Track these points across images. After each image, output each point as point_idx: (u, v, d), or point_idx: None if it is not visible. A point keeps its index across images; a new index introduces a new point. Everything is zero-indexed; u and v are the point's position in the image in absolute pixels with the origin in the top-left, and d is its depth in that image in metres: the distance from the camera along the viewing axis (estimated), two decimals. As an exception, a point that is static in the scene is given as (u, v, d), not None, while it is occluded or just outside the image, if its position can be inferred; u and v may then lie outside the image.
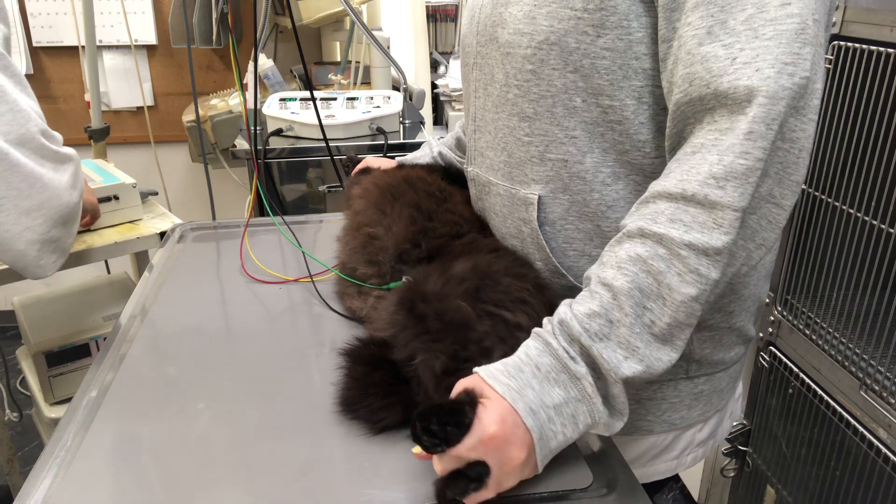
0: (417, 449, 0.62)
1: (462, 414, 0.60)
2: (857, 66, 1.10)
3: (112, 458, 0.71)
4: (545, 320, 0.66)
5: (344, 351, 0.78)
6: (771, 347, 1.36)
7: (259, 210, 1.62)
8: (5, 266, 1.32)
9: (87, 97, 2.12)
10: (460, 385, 0.64)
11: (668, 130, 0.68)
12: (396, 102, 1.94)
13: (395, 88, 2.11)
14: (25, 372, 1.72)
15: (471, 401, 0.61)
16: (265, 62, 2.18)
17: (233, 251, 1.21)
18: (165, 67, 2.69)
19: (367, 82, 2.20)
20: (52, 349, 1.52)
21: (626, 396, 0.63)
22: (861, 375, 1.13)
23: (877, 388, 1.10)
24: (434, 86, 2.71)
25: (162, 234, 1.48)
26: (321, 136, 1.33)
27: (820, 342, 1.23)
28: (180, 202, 2.82)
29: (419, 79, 2.49)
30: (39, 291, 1.70)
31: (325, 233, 1.31)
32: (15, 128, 0.98)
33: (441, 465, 0.62)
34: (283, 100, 1.93)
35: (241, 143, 1.85)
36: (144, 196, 1.63)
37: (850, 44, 1.11)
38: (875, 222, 1.10)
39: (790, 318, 1.30)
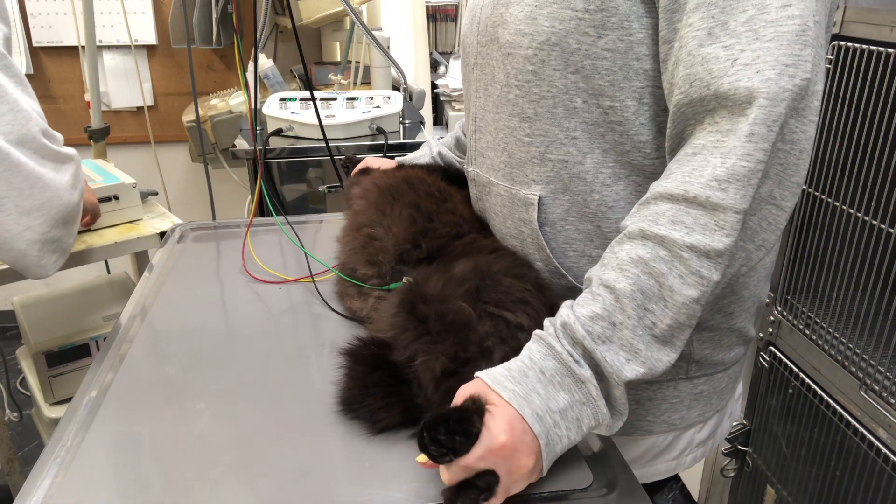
0: (423, 457, 0.61)
1: (470, 423, 0.60)
2: (857, 66, 1.10)
3: (112, 458, 0.71)
4: (546, 322, 0.66)
5: (344, 351, 0.78)
6: (771, 347, 1.36)
7: (259, 210, 1.62)
8: (5, 266, 1.32)
9: (87, 97, 2.12)
10: (464, 391, 0.64)
11: (668, 131, 0.68)
12: (396, 102, 1.94)
13: (395, 88, 2.11)
14: (25, 372, 1.72)
15: (478, 409, 0.61)
16: (265, 62, 2.18)
17: (233, 251, 1.21)
18: (165, 67, 2.69)
19: (367, 82, 2.20)
20: (52, 349, 1.52)
21: (626, 397, 0.63)
22: (861, 375, 1.13)
23: (877, 388, 1.10)
24: (434, 86, 2.71)
25: (162, 234, 1.48)
26: (321, 136, 1.33)
27: (820, 342, 1.23)
28: (180, 202, 2.82)
29: (419, 79, 2.49)
30: (39, 291, 1.70)
31: (325, 233, 1.31)
32: (16, 128, 0.98)
33: (449, 474, 0.62)
34: (283, 100, 1.93)
35: (241, 143, 1.85)
36: (144, 196, 1.63)
37: (850, 44, 1.11)
38: (875, 222, 1.10)
39: (790, 318, 1.30)
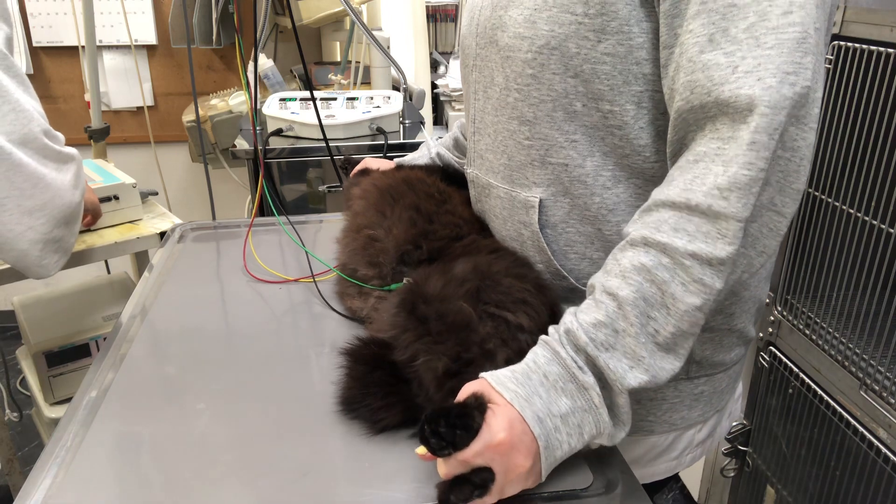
0: (422, 450, 0.61)
1: (471, 418, 0.60)
2: (857, 66, 1.10)
3: (112, 458, 0.71)
4: (551, 328, 0.66)
5: (344, 350, 0.78)
6: (771, 347, 1.36)
7: (259, 210, 1.62)
8: (5, 266, 1.32)
9: (87, 97, 2.12)
10: (468, 388, 0.64)
11: (669, 137, 0.68)
12: (396, 102, 1.94)
13: (395, 88, 2.11)
14: (25, 372, 1.72)
15: (479, 405, 0.62)
16: (265, 62, 2.18)
17: (233, 251, 1.21)
18: (165, 67, 2.69)
19: (367, 82, 2.20)
20: (52, 349, 1.52)
21: (630, 407, 0.63)
22: (861, 375, 1.13)
23: (877, 388, 1.10)
24: (434, 86, 2.71)
25: (162, 234, 1.48)
26: (321, 136, 1.33)
27: (820, 342, 1.23)
28: (180, 202, 2.82)
29: (419, 79, 2.49)
30: (39, 291, 1.70)
31: (325, 233, 1.31)
32: (18, 127, 0.98)
33: (446, 468, 0.62)
34: (283, 100, 1.93)
35: (241, 143, 1.85)
36: (144, 196, 1.63)
37: (850, 44, 1.11)
38: (875, 222, 1.10)
39: (790, 318, 1.30)
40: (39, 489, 0.66)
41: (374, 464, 0.69)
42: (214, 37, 2.23)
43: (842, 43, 1.12)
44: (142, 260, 1.64)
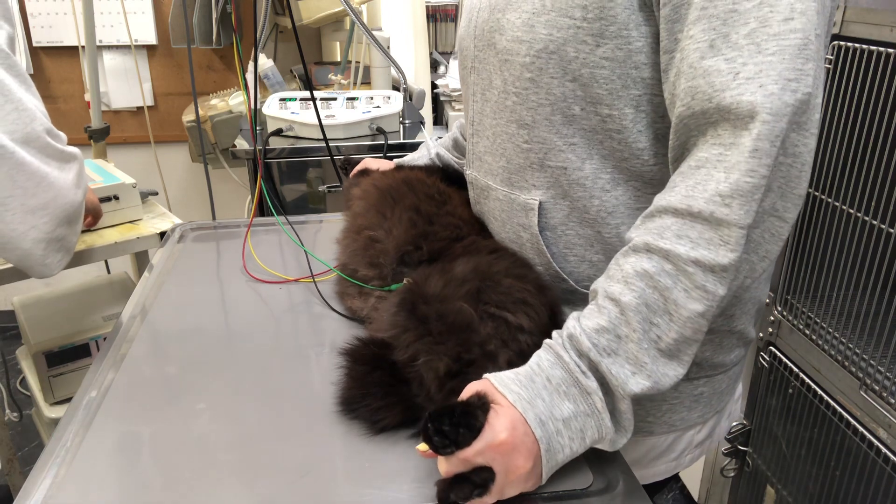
0: (423, 446, 0.62)
1: (474, 417, 0.61)
2: (857, 66, 1.10)
3: (112, 458, 0.71)
4: (555, 333, 0.66)
5: (344, 351, 0.78)
6: (771, 347, 1.36)
7: (259, 210, 1.62)
8: (5, 266, 1.32)
9: (87, 97, 2.12)
10: (471, 388, 0.64)
11: (671, 142, 0.68)
12: (396, 102, 1.94)
13: (395, 88, 2.11)
14: (25, 372, 1.72)
15: (483, 405, 0.62)
16: (265, 62, 2.18)
17: (233, 251, 1.21)
18: (165, 67, 2.69)
19: (367, 82, 2.20)
20: (52, 349, 1.52)
21: (632, 413, 0.63)
22: (861, 375, 1.13)
23: (877, 388, 1.10)
24: (434, 86, 2.71)
25: (162, 234, 1.48)
26: (321, 136, 1.33)
27: (820, 342, 1.23)
28: (180, 202, 2.82)
29: (419, 79, 2.49)
30: (39, 291, 1.70)
31: (325, 233, 1.31)
32: (20, 126, 0.98)
33: (447, 466, 0.62)
34: (283, 100, 1.93)
35: (241, 143, 1.85)
36: (144, 196, 1.63)
37: (850, 44, 1.11)
38: (875, 222, 1.10)
39: (790, 318, 1.30)
40: (39, 489, 0.66)
41: (374, 464, 0.69)
42: (214, 37, 2.23)
43: (842, 43, 1.12)
44: (142, 260, 1.64)
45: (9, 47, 1.00)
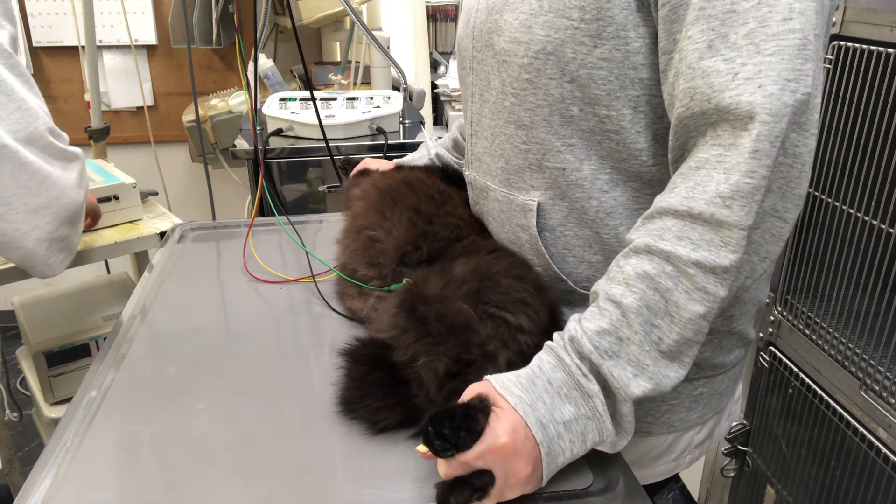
0: (423, 448, 0.62)
1: (475, 420, 0.61)
2: (857, 66, 1.10)
3: (112, 458, 0.71)
4: (556, 335, 0.66)
5: (344, 351, 0.78)
6: (771, 347, 1.36)
7: (259, 210, 1.62)
8: (6, 266, 1.32)
9: (87, 97, 2.12)
10: (472, 390, 0.64)
11: (670, 143, 0.68)
12: (396, 102, 1.94)
13: (395, 88, 2.11)
14: (25, 372, 1.72)
15: (484, 408, 0.62)
16: (265, 62, 2.18)
17: (233, 251, 1.21)
18: (165, 67, 2.69)
19: (367, 82, 2.20)
20: (52, 349, 1.52)
21: (633, 416, 0.63)
22: (861, 375, 1.13)
23: (877, 388, 1.10)
24: (434, 86, 2.71)
25: (162, 234, 1.48)
26: (321, 136, 1.33)
27: (820, 342, 1.23)
28: (180, 202, 2.82)
29: (419, 79, 2.49)
30: (39, 291, 1.70)
31: (325, 233, 1.31)
32: (23, 126, 0.98)
33: (446, 468, 0.62)
34: (283, 100, 1.93)
35: (241, 143, 1.85)
36: (144, 196, 1.63)
37: (850, 44, 1.11)
38: (875, 222, 1.10)
39: (790, 318, 1.30)
40: (39, 489, 0.66)
41: (374, 464, 0.69)
42: (214, 37, 2.23)
43: (842, 43, 1.12)
44: (142, 260, 1.64)
45: (11, 47, 1.00)
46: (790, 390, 1.32)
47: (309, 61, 2.60)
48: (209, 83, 2.71)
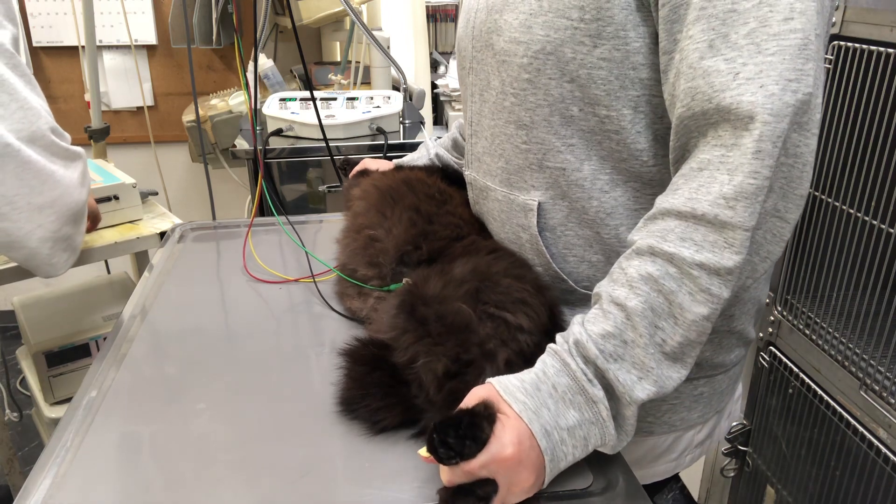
0: (425, 452, 0.61)
1: (480, 429, 0.60)
2: (857, 66, 1.10)
3: (112, 458, 0.71)
4: (559, 337, 0.66)
5: (343, 351, 0.78)
6: (771, 347, 1.36)
7: (259, 210, 1.62)
8: (6, 266, 1.32)
9: (87, 97, 2.12)
10: (475, 394, 0.64)
11: (671, 143, 0.68)
12: (396, 102, 1.94)
13: (395, 88, 2.11)
14: (25, 372, 1.72)
15: (489, 416, 0.61)
16: (265, 62, 2.18)
17: (233, 251, 1.21)
18: (165, 67, 2.69)
19: (367, 82, 2.20)
20: (52, 349, 1.52)
21: (636, 419, 0.63)
22: (861, 375, 1.13)
23: (877, 388, 1.10)
24: (434, 86, 2.71)
25: (162, 234, 1.48)
26: (321, 136, 1.33)
27: (820, 342, 1.23)
28: (180, 202, 2.82)
29: (419, 79, 2.49)
30: (39, 291, 1.70)
31: (325, 233, 1.31)
32: (26, 125, 0.98)
33: (449, 475, 0.62)
34: (283, 100, 1.93)
35: (241, 143, 1.85)
36: (144, 196, 1.63)
37: (850, 44, 1.11)
38: (875, 222, 1.10)
39: (790, 318, 1.30)
40: (39, 489, 0.66)
41: (374, 464, 0.69)
42: (214, 37, 2.23)
43: (842, 43, 1.12)
44: (142, 260, 1.64)
45: (13, 47, 1.00)
46: (790, 390, 1.32)
47: (309, 61, 2.60)
48: (209, 83, 2.71)
